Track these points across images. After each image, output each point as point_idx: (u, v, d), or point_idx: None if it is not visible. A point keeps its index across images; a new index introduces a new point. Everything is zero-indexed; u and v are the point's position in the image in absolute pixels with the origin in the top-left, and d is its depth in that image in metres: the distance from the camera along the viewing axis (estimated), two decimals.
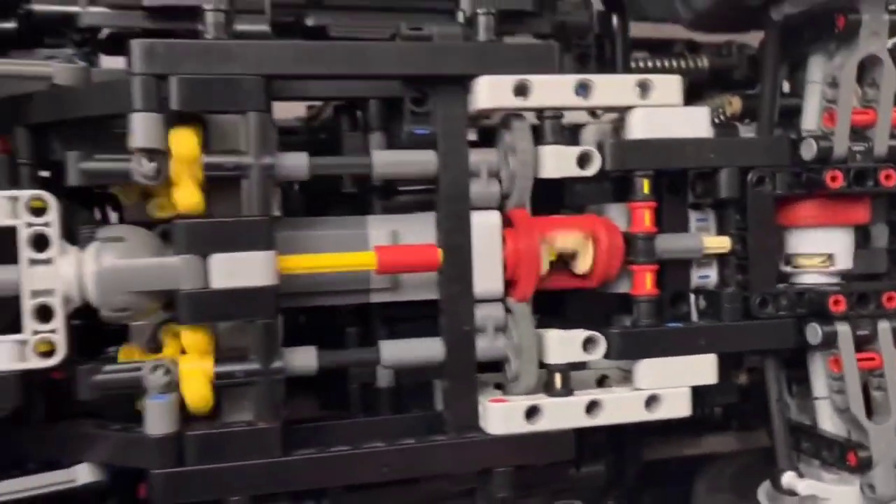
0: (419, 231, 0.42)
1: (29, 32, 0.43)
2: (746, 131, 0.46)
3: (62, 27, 0.41)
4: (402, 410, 0.45)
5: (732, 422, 0.57)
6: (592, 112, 0.45)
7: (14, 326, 0.38)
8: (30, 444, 0.39)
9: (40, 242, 0.36)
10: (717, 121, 0.49)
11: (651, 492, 0.54)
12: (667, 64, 0.55)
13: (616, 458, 0.49)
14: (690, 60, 0.56)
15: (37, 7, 0.40)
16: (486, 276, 0.40)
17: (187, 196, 0.36)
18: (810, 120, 0.44)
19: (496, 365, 0.42)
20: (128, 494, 0.44)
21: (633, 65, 0.53)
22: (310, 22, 0.42)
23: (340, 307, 0.44)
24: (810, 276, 0.44)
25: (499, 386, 0.43)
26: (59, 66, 0.38)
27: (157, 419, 0.36)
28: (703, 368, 0.42)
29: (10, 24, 0.42)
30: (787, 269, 0.45)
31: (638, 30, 0.55)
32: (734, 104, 0.48)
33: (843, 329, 0.42)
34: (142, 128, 0.35)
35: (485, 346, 0.40)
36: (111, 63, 0.46)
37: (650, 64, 0.55)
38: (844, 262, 0.44)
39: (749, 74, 0.56)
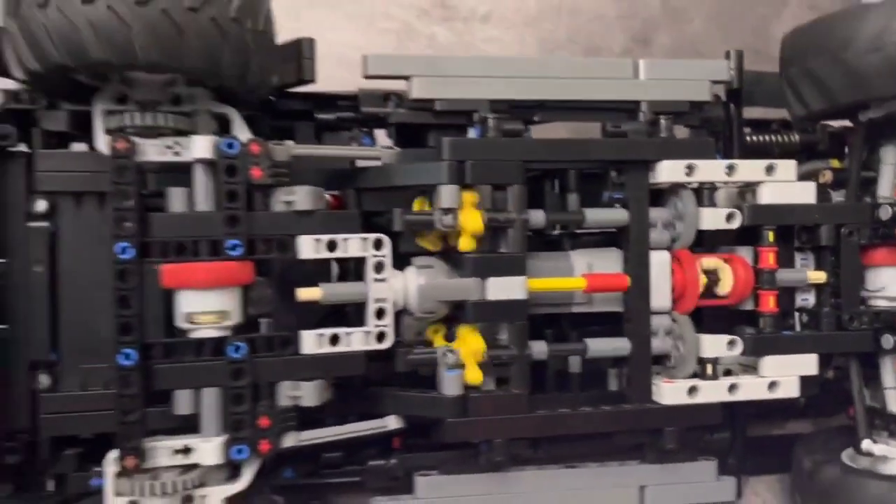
0: (605, 262, 0.60)
1: (339, 121, 0.62)
2: (836, 196, 0.64)
3: (368, 119, 0.61)
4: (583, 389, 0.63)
5: (811, 410, 0.75)
6: None
7: (321, 322, 0.57)
8: (354, 401, 0.58)
9: (379, 267, 0.55)
10: None
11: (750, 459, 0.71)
12: (768, 138, 0.73)
13: (731, 429, 0.67)
14: (785, 136, 0.74)
15: (366, 109, 0.59)
16: (659, 296, 0.58)
17: (471, 239, 0.55)
18: (885, 190, 0.62)
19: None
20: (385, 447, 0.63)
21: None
22: (536, 118, 0.61)
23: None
24: (883, 301, 0.62)
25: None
26: (384, 150, 0.56)
27: (451, 386, 0.54)
28: (808, 363, 0.60)
29: (331, 116, 0.62)
30: (865, 294, 0.63)
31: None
32: (826, 175, 0.65)
33: None
34: (447, 195, 0.54)
35: (657, 344, 0.59)
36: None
37: (755, 138, 0.73)
38: None
39: (830, 148, 0.73)
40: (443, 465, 0.59)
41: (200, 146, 0.50)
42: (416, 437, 0.61)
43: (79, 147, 0.55)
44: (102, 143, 0.50)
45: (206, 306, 0.50)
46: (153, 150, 0.50)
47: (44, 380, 0.54)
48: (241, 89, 0.52)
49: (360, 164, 0.60)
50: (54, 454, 0.56)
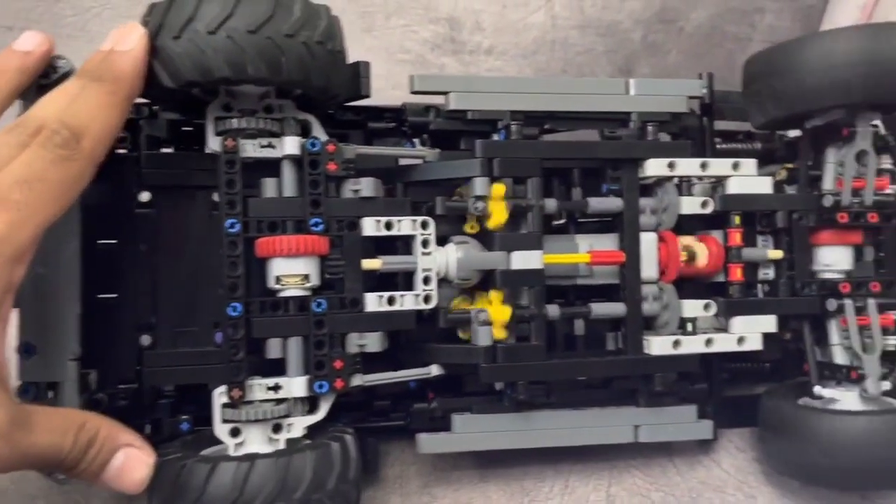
0: (603, 243, 0.73)
1: (386, 130, 0.76)
2: (790, 189, 0.78)
3: (411, 128, 0.74)
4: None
5: (775, 376, 0.88)
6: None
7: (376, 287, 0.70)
8: (403, 353, 0.71)
9: (426, 243, 0.68)
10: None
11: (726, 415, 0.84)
12: (735, 146, 0.87)
13: (708, 383, 0.80)
14: (749, 144, 0.88)
15: (412, 119, 0.72)
16: (648, 268, 0.72)
17: (498, 220, 0.68)
18: (828, 183, 0.76)
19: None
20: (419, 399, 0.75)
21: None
22: (547, 126, 0.74)
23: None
24: (828, 273, 0.76)
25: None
26: (428, 151, 0.70)
27: (483, 338, 0.67)
28: (769, 323, 0.73)
29: (380, 125, 0.75)
30: (814, 268, 0.77)
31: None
32: (782, 174, 0.80)
33: (848, 303, 0.73)
34: (479, 186, 0.67)
35: (647, 307, 0.72)
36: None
37: (725, 146, 0.87)
38: (848, 265, 0.76)
39: (785, 154, 0.87)
40: (474, 407, 0.71)
41: (291, 144, 0.63)
42: (447, 393, 0.74)
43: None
44: (214, 143, 0.62)
45: (292, 270, 0.63)
46: (251, 148, 0.63)
47: (145, 339, 0.67)
48: (323, 98, 0.65)
49: (402, 163, 0.73)
50: (152, 403, 0.68)
